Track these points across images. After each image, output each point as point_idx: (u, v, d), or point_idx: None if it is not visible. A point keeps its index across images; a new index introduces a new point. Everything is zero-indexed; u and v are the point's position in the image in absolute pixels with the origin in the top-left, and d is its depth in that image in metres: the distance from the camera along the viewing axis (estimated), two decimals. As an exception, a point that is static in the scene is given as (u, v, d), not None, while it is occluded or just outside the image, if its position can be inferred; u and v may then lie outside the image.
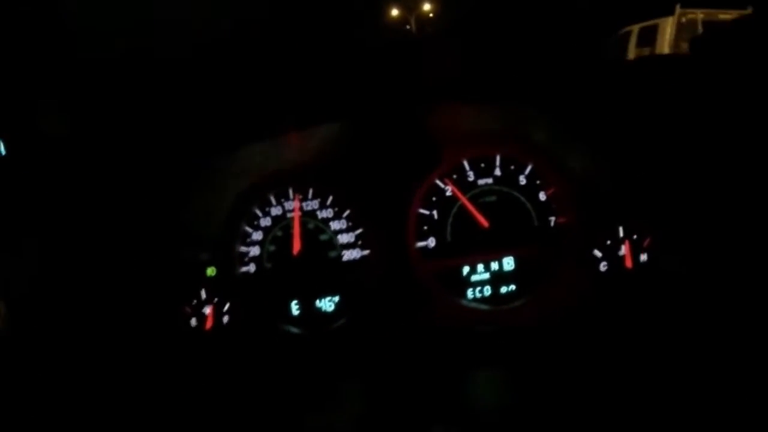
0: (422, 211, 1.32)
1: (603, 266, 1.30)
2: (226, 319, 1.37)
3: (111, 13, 1.40)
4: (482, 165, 1.31)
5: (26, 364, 1.14)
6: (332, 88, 1.21)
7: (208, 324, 1.37)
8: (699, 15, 5.55)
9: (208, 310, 1.37)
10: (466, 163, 1.31)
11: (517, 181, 1.31)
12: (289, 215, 1.36)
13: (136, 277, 1.28)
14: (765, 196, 1.13)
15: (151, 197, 1.28)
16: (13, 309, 1.15)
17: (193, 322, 1.38)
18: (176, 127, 1.24)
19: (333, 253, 1.36)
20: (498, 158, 1.31)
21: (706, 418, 0.98)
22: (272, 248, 1.37)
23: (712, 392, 1.01)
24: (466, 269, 1.33)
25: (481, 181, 1.31)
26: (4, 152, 1.37)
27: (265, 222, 1.37)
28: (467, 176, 1.31)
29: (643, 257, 1.30)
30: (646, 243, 1.29)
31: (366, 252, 1.34)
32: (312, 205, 1.35)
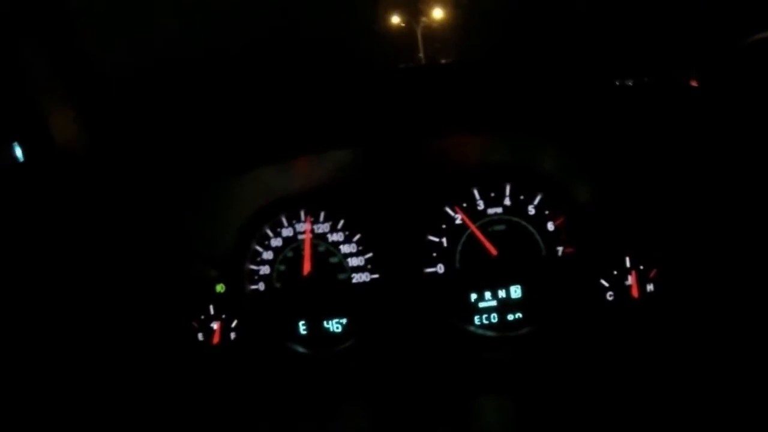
0: (432, 238, 1.33)
1: (610, 296, 1.31)
2: (233, 335, 1.39)
3: (128, 31, 1.42)
4: (492, 194, 1.32)
5: (36, 377, 1.15)
6: (345, 114, 1.22)
7: (215, 339, 1.38)
8: None
9: (215, 325, 1.38)
10: (476, 192, 1.32)
11: (526, 210, 1.32)
12: (300, 237, 1.37)
13: (147, 290, 1.30)
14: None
15: (165, 214, 1.30)
16: (23, 318, 1.16)
17: (201, 336, 1.39)
18: (191, 147, 1.25)
19: (342, 276, 1.37)
20: (508, 188, 1.32)
21: None
22: (282, 268, 1.39)
23: (718, 421, 1.03)
24: (473, 296, 1.34)
25: (490, 210, 1.32)
26: (21, 159, 1.39)
27: (276, 242, 1.38)
28: (477, 205, 1.33)
29: (650, 287, 1.31)
30: (652, 273, 1.30)
31: (375, 276, 1.35)
32: (323, 228, 1.37)
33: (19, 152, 1.38)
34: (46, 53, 1.43)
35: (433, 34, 1.29)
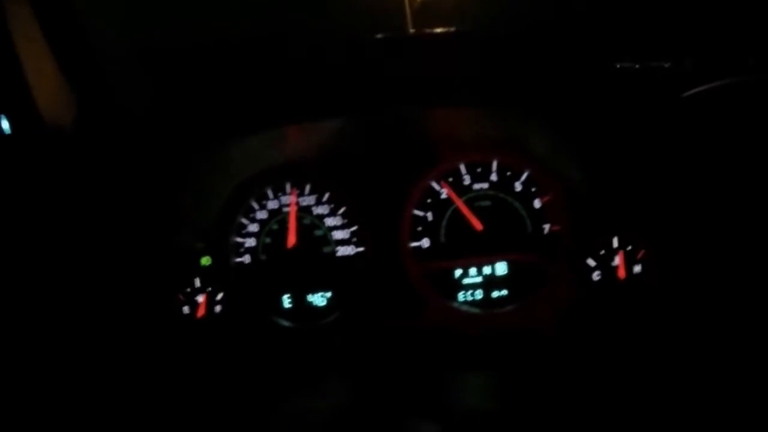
0: (417, 212, 1.33)
1: (596, 275, 1.31)
2: (218, 308, 1.39)
3: (116, 5, 1.42)
4: (479, 170, 1.32)
5: (16, 348, 1.15)
6: (331, 83, 1.22)
7: (201, 312, 1.38)
8: None
9: (201, 298, 1.38)
10: (462, 167, 1.32)
11: (513, 187, 1.31)
12: (285, 209, 1.37)
13: (132, 263, 1.30)
14: (760, 211, 1.14)
15: (149, 185, 1.30)
16: (5, 291, 1.16)
17: (186, 309, 1.39)
18: (175, 118, 1.25)
19: (327, 249, 1.37)
20: (495, 164, 1.31)
21: (694, 427, 0.99)
22: (267, 240, 1.38)
23: (702, 402, 1.02)
24: (458, 272, 1.34)
25: (476, 186, 1.32)
26: (8, 131, 1.39)
27: (262, 215, 1.38)
28: (463, 180, 1.32)
29: (637, 268, 1.30)
30: (639, 255, 1.29)
31: (360, 249, 1.35)
32: (308, 200, 1.36)
33: (5, 124, 1.38)
34: (35, 23, 1.43)
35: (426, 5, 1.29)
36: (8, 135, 1.38)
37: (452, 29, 1.18)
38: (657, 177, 1.22)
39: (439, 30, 1.17)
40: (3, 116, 1.37)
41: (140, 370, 1.26)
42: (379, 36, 1.14)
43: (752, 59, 1.48)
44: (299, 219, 1.36)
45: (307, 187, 1.36)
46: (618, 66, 1.55)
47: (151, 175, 1.28)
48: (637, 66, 1.57)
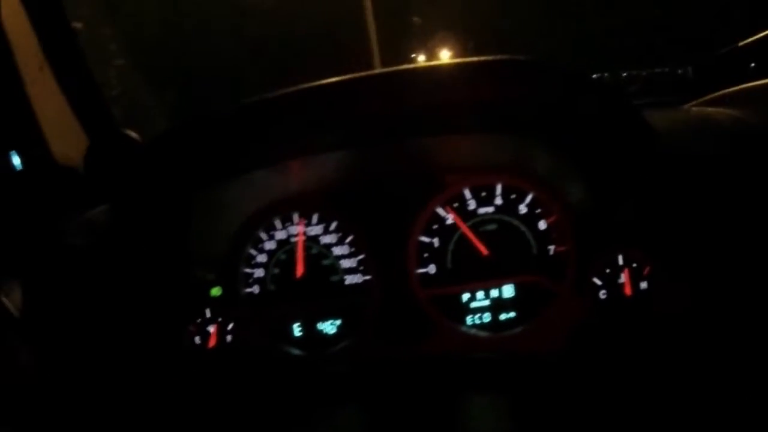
0: (423, 238, 1.34)
1: (602, 294, 1.31)
2: (229, 338, 1.40)
3: (127, 37, 1.44)
4: (483, 194, 1.33)
5: (33, 378, 1.16)
6: (336, 116, 1.23)
7: (212, 342, 1.40)
8: None
9: (212, 329, 1.40)
10: (467, 192, 1.33)
11: (518, 210, 1.33)
12: (293, 240, 1.38)
13: (144, 296, 1.31)
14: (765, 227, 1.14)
15: (159, 219, 1.31)
16: (21, 323, 1.18)
17: (197, 340, 1.41)
18: (183, 154, 1.26)
19: (335, 278, 1.38)
20: (499, 187, 1.32)
21: None
22: (276, 271, 1.40)
23: (711, 420, 1.02)
24: (466, 296, 1.35)
25: (481, 210, 1.33)
26: (20, 167, 1.42)
27: (270, 245, 1.39)
28: (468, 205, 1.33)
29: (643, 285, 1.31)
30: (645, 271, 1.30)
31: (368, 277, 1.36)
32: (316, 230, 1.38)
33: (17, 161, 1.41)
34: (43, 61, 1.46)
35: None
36: (20, 171, 1.41)
37: (451, 60, 1.19)
38: (660, 192, 1.23)
39: (436, 61, 1.19)
40: (14, 153, 1.40)
41: (155, 403, 1.27)
42: (380, 70, 1.16)
43: (754, 64, 1.49)
44: (307, 249, 1.38)
45: (315, 217, 1.38)
46: (620, 74, 1.57)
47: (159, 208, 1.30)
48: (639, 73, 1.58)
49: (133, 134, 1.56)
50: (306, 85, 1.05)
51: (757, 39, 1.47)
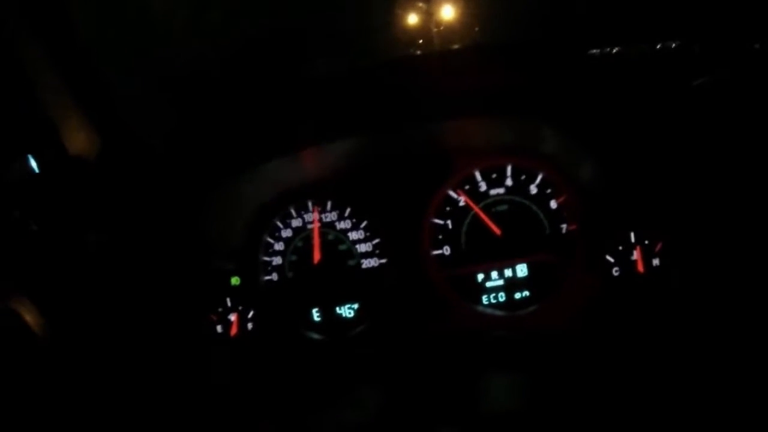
0: (437, 220, 1.37)
1: (615, 271, 1.33)
2: (250, 326, 1.43)
3: (133, 35, 1.47)
4: (494, 175, 1.35)
5: (57, 369, 1.20)
6: (347, 103, 1.26)
7: (233, 331, 1.43)
8: None
9: (233, 317, 1.43)
10: (478, 174, 1.36)
11: (528, 190, 1.35)
12: (309, 227, 1.41)
13: (166, 287, 1.35)
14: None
15: (178, 213, 1.35)
16: (46, 317, 1.21)
17: (219, 329, 1.44)
18: (200, 146, 1.30)
19: (352, 262, 1.41)
20: (509, 168, 1.34)
21: (716, 421, 1.00)
22: (294, 258, 1.43)
23: (723, 395, 1.04)
24: (480, 276, 1.37)
25: (493, 191, 1.35)
26: (37, 170, 1.45)
27: (287, 233, 1.43)
28: (479, 187, 1.36)
29: (655, 261, 1.32)
30: (657, 248, 1.31)
31: (383, 260, 1.39)
32: (331, 216, 1.41)
33: (34, 164, 1.45)
34: (53, 65, 1.49)
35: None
36: (37, 174, 1.45)
37: (459, 45, 1.21)
38: (671, 169, 1.24)
39: (445, 48, 1.21)
40: (31, 157, 1.44)
41: (180, 391, 1.30)
42: (387, 58, 1.18)
43: (759, 43, 1.49)
44: (323, 235, 1.41)
45: (329, 204, 1.41)
46: (625, 50, 1.56)
47: (178, 203, 1.33)
48: (644, 50, 1.57)
49: (147, 133, 1.59)
50: (321, 72, 1.08)
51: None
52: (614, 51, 1.20)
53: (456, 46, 1.21)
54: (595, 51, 1.26)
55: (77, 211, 1.40)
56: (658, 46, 1.23)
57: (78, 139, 1.52)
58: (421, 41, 1.35)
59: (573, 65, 1.25)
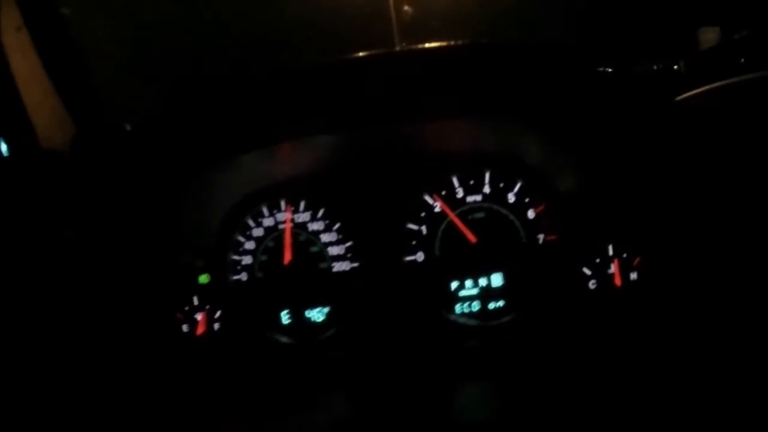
0: (411, 225, 1.34)
1: (592, 284, 1.31)
2: (217, 326, 1.40)
3: (111, 23, 1.43)
4: (471, 182, 1.32)
5: (18, 364, 1.16)
6: (324, 100, 1.22)
7: (200, 330, 1.39)
8: None
9: (199, 316, 1.39)
10: (455, 179, 1.32)
11: (506, 198, 1.32)
12: (281, 226, 1.38)
13: (131, 282, 1.31)
14: (757, 216, 1.14)
15: (149, 206, 1.31)
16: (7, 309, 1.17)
17: (185, 327, 1.40)
18: (172, 139, 1.26)
19: (323, 265, 1.38)
20: (488, 175, 1.32)
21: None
22: (264, 258, 1.39)
23: (699, 410, 1.02)
24: (454, 284, 1.34)
25: (470, 198, 1.32)
26: (5, 153, 1.41)
27: (258, 232, 1.39)
28: (456, 192, 1.33)
29: (633, 276, 1.30)
30: (635, 262, 1.29)
31: (355, 264, 1.36)
32: (303, 217, 1.37)
33: (3, 147, 1.40)
34: (31, 47, 1.45)
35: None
36: (6, 157, 1.40)
37: (442, 43, 1.18)
38: (651, 183, 1.22)
39: (428, 44, 1.17)
40: (1, 139, 1.39)
41: (142, 389, 1.27)
42: (367, 52, 1.15)
43: (744, 59, 1.48)
44: (295, 236, 1.37)
45: (302, 204, 1.37)
46: (610, 69, 1.55)
47: (148, 195, 1.30)
48: (628, 68, 1.56)
49: (122, 122, 1.56)
50: (298, 64, 1.04)
51: (747, 35, 1.45)
52: (603, 64, 1.18)
53: (440, 43, 1.17)
54: (585, 62, 1.23)
55: (44, 199, 1.36)
56: (644, 62, 1.22)
57: (51, 123, 1.47)
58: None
59: (563, 73, 1.23)
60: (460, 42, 1.25)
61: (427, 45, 1.22)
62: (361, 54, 1.17)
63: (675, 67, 1.61)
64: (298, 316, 1.39)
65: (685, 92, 1.53)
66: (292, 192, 1.37)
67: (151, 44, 1.47)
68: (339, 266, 1.37)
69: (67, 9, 1.55)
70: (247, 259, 1.40)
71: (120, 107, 1.39)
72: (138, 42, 1.46)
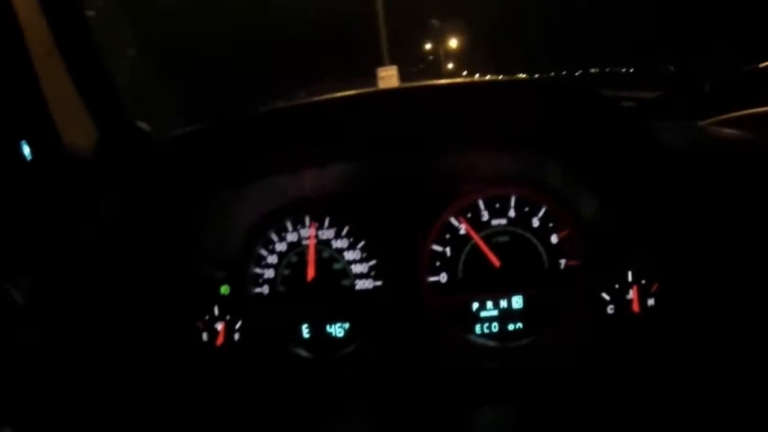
0: (435, 247, 1.34)
1: (610, 309, 1.32)
2: (237, 336, 1.41)
3: (132, 26, 1.42)
4: (497, 205, 1.33)
5: (37, 369, 1.17)
6: (352, 127, 1.23)
7: (219, 340, 1.40)
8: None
9: (220, 326, 1.40)
10: (481, 203, 1.33)
11: (531, 222, 1.33)
12: (304, 242, 1.38)
13: (153, 289, 1.31)
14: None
15: (172, 217, 1.31)
16: (31, 317, 1.18)
17: (205, 337, 1.41)
18: (200, 158, 1.26)
19: (346, 282, 1.38)
20: (513, 199, 1.32)
21: None
22: (286, 272, 1.40)
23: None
24: (475, 305, 1.35)
25: (495, 222, 1.33)
26: (30, 157, 1.40)
27: (281, 247, 1.39)
28: (482, 215, 1.33)
29: (651, 302, 1.31)
30: (654, 288, 1.31)
31: (378, 283, 1.37)
32: (327, 234, 1.38)
33: (27, 151, 1.40)
34: (55, 51, 1.44)
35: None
36: (30, 161, 1.40)
37: (467, 79, 1.18)
38: (672, 210, 1.23)
39: (456, 80, 1.18)
40: (24, 143, 1.39)
41: (161, 398, 1.28)
42: (396, 87, 1.15)
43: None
44: (318, 252, 1.38)
45: (327, 221, 1.38)
46: (632, 94, 1.56)
47: (173, 206, 1.30)
48: (654, 95, 1.57)
49: (144, 126, 1.55)
50: (327, 97, 1.05)
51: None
52: (622, 94, 1.19)
53: (463, 80, 1.17)
54: (603, 92, 1.24)
55: (67, 204, 1.36)
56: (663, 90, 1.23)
57: (74, 128, 1.47)
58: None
59: (581, 105, 1.23)
60: (484, 78, 1.25)
61: (452, 80, 1.22)
62: (389, 89, 1.17)
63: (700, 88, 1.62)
64: (318, 330, 1.40)
65: (708, 116, 1.54)
66: (317, 209, 1.37)
67: (175, 50, 1.45)
68: (362, 284, 1.37)
69: (91, 11, 1.53)
70: (269, 273, 1.40)
71: (143, 112, 1.39)
72: (161, 47, 1.45)
